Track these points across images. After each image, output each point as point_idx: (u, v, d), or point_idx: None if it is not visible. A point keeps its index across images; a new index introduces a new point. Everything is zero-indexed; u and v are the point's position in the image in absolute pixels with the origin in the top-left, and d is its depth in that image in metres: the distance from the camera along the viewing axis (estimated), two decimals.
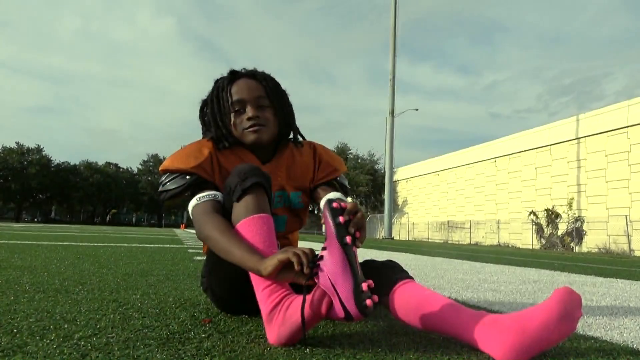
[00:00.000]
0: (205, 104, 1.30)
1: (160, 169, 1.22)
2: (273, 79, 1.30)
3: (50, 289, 1.61)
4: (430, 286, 2.24)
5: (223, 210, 1.12)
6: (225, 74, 1.30)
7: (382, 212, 30.38)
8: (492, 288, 2.24)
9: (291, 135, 1.34)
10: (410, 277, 1.08)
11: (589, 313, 1.58)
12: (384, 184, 28.70)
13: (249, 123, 1.24)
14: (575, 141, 18.13)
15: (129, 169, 53.76)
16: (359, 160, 34.50)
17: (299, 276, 0.93)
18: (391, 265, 1.11)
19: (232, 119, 1.25)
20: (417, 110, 25.88)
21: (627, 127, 16.18)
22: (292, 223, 1.31)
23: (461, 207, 24.44)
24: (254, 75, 1.28)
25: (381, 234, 27.40)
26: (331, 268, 0.90)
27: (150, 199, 51.96)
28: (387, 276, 1.07)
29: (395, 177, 30.99)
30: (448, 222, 24.76)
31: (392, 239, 20.82)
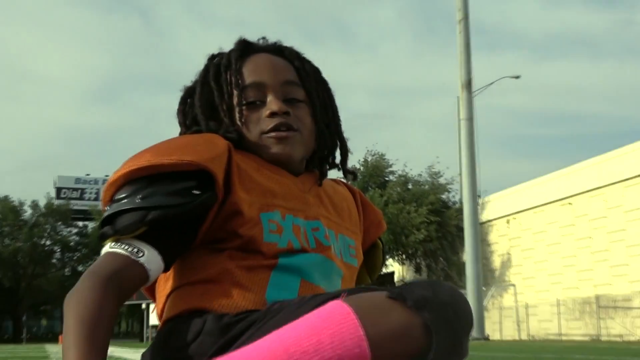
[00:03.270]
0: (190, 94, 1.55)
1: (124, 171, 1.32)
2: (309, 61, 1.59)
3: None
4: None
5: (135, 285, 1.28)
6: (226, 48, 1.59)
7: (461, 286, 28.61)
8: None
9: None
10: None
11: None
12: (461, 229, 27.45)
13: (271, 122, 1.44)
14: None
15: None
16: (410, 185, 34.03)
17: None
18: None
19: (243, 115, 1.47)
20: (517, 77, 26.95)
21: None
22: (347, 287, 1.43)
23: (623, 267, 24.97)
24: (280, 50, 1.57)
25: None
26: None
27: None
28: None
29: (485, 215, 30.74)
30: (597, 298, 25.05)
31: (487, 338, 21.50)
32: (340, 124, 1.61)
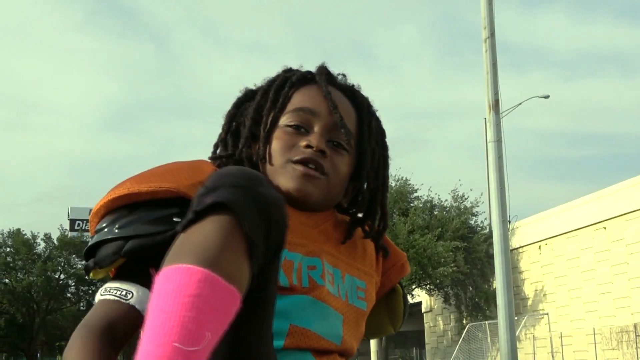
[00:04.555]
0: (248, 98, 1.60)
1: (105, 200, 1.38)
2: (379, 119, 1.63)
3: None
4: None
5: (130, 327, 1.29)
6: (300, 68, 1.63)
7: (491, 317, 29.23)
8: None
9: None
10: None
11: None
12: (491, 256, 26.81)
13: (303, 154, 1.44)
14: None
15: None
16: (435, 211, 33.80)
17: None
18: None
19: (278, 138, 1.48)
20: (546, 97, 27.51)
21: None
22: (351, 332, 1.47)
23: None
24: (352, 93, 1.58)
25: None
26: None
27: (11, 323, 52.81)
28: None
29: (515, 241, 30.55)
30: (635, 326, 25.03)
31: None
32: (386, 197, 1.61)
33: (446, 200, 34.46)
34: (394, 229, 30.21)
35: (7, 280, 52.18)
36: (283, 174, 1.44)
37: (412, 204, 34.03)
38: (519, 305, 29.64)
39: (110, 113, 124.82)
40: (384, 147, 1.61)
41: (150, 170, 1.39)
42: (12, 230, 53.64)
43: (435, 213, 33.55)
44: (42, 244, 55.34)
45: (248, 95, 1.58)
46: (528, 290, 30.79)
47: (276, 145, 1.46)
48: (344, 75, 1.61)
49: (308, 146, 1.43)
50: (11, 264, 52.96)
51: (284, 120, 1.48)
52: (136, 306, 1.28)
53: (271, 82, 1.55)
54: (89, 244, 1.36)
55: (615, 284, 26.27)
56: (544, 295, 29.85)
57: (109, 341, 1.22)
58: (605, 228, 26.77)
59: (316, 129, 1.46)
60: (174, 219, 1.29)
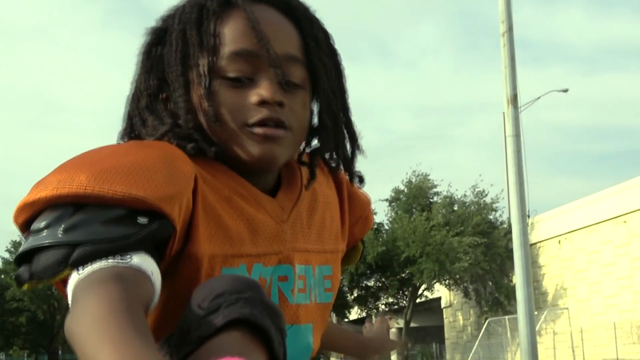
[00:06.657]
0: (160, 39, 1.27)
1: (50, 194, 1.02)
2: (319, 21, 1.33)
3: None
4: None
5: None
6: None
7: (511, 311, 29.10)
8: None
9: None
10: None
11: None
12: (510, 251, 26.66)
13: (259, 114, 1.20)
14: None
15: None
16: (455, 206, 33.58)
17: None
18: None
19: (218, 95, 1.21)
20: (565, 91, 27.17)
21: None
22: (319, 332, 1.40)
23: None
24: (287, 4, 1.28)
25: (515, 356, 26.94)
26: None
27: (32, 321, 53.01)
28: None
29: (534, 236, 30.47)
30: None
31: None
32: (350, 112, 1.36)
33: (464, 195, 34.34)
34: (412, 224, 30.30)
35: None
36: (240, 141, 1.21)
37: (431, 200, 34.10)
38: (538, 300, 29.76)
39: None
40: (334, 55, 1.34)
41: (112, 159, 1.07)
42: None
43: (455, 209, 33.50)
44: None
45: (159, 36, 1.27)
46: (548, 285, 30.67)
47: (220, 107, 1.21)
48: None
49: (261, 102, 1.19)
50: None
51: (219, 68, 1.20)
52: (141, 271, 1.07)
53: (186, 18, 1.23)
54: (23, 248, 1.01)
55: (635, 278, 26.17)
56: (564, 289, 29.72)
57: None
58: (625, 222, 26.75)
59: (263, 74, 1.20)
60: (139, 220, 1.01)
